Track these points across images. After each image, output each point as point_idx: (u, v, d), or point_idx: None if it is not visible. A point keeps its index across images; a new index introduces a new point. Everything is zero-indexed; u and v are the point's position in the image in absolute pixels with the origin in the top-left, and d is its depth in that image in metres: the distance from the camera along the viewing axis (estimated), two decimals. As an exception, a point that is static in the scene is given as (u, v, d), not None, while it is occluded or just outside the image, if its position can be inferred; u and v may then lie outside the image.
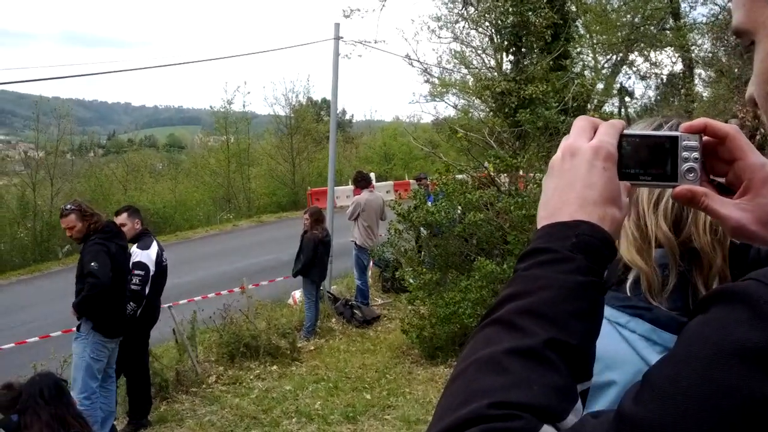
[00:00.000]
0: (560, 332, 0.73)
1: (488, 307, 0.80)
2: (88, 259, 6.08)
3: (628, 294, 1.24)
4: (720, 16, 16.79)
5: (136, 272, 6.71)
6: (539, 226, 0.85)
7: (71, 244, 19.67)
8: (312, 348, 9.54)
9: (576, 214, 0.82)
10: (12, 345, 8.77)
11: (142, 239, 7.04)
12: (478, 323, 0.80)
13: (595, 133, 0.88)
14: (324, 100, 39.57)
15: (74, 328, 6.45)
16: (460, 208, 9.30)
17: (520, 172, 9.67)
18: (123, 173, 30.43)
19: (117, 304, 6.34)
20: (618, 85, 20.69)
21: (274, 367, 8.61)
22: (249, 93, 50.10)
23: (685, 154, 0.87)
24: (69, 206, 6.31)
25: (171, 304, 8.36)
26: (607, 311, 1.22)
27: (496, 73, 13.39)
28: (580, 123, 0.90)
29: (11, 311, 14.15)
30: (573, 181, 0.84)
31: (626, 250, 1.25)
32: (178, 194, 29.38)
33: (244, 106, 31.66)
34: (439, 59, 16.70)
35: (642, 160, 0.88)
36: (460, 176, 9.93)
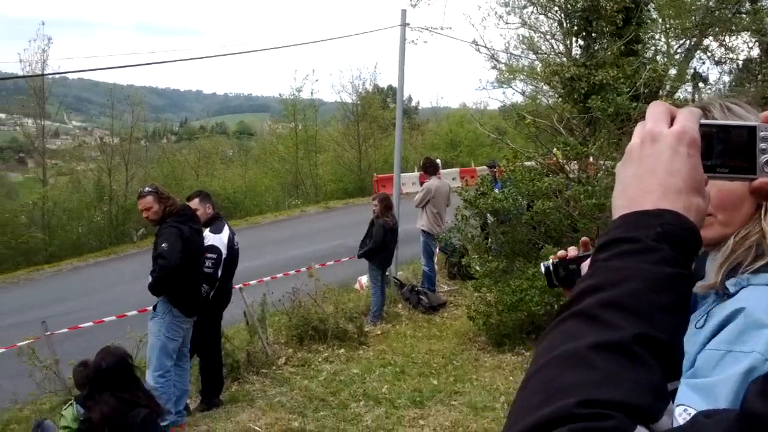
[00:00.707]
0: (649, 327, 0.70)
1: (566, 299, 0.77)
2: (160, 240, 6.24)
3: None
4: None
5: (209, 255, 6.85)
6: (617, 215, 0.81)
7: (146, 227, 20.33)
8: (379, 332, 9.62)
9: (659, 202, 0.78)
10: (90, 324, 9.13)
11: (214, 223, 7.18)
12: (555, 316, 0.76)
13: (672, 119, 0.84)
14: (390, 87, 39.65)
15: (150, 308, 6.66)
16: (526, 199, 9.22)
17: (590, 160, 9.52)
18: (195, 159, 31.14)
19: (192, 284, 6.51)
20: (691, 71, 20.09)
21: (342, 350, 8.72)
22: (317, 81, 50.38)
23: (763, 145, 0.83)
24: (147, 188, 6.49)
25: (241, 285, 8.55)
26: None
27: (565, 59, 13.21)
28: (657, 108, 0.86)
29: (89, 292, 14.69)
30: (654, 168, 0.81)
31: None
32: (248, 180, 29.96)
33: (312, 93, 32.00)
34: (507, 45, 16.58)
35: (719, 151, 0.85)
36: (528, 163, 9.82)
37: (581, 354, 0.68)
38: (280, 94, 33.34)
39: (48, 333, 7.85)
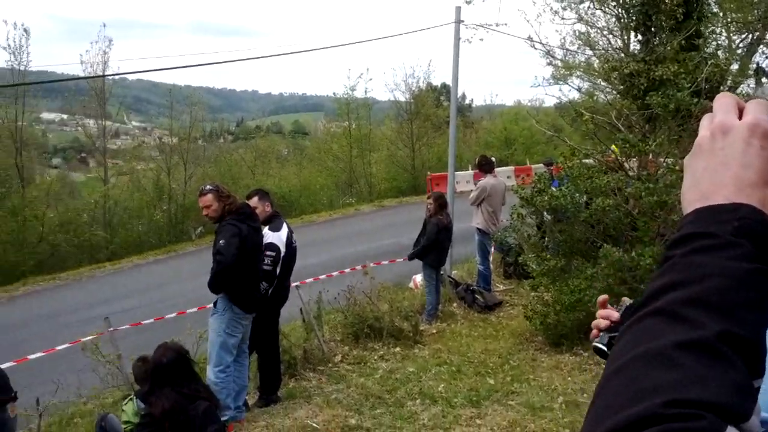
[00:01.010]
0: (732, 324, 0.67)
1: (643, 297, 0.75)
2: (219, 238, 6.35)
3: None
4: None
5: (268, 253, 6.92)
6: (689, 209, 0.79)
7: (204, 226, 20.71)
8: (434, 331, 9.59)
9: (734, 196, 0.76)
10: (151, 320, 9.35)
11: (273, 221, 7.25)
12: (631, 314, 0.75)
13: (740, 111, 0.82)
14: (443, 85, 39.43)
15: (210, 305, 6.77)
16: (585, 196, 9.07)
17: (650, 157, 9.33)
18: (251, 158, 31.55)
19: (251, 281, 6.59)
20: (754, 66, 19.48)
21: (397, 348, 8.73)
22: (371, 79, 50.68)
23: None
24: (208, 186, 6.61)
25: (298, 283, 8.62)
26: None
27: (623, 54, 12.98)
28: (725, 100, 0.84)
29: (149, 289, 15.02)
30: (727, 161, 0.78)
31: None
32: (303, 179, 30.23)
33: (365, 92, 32.05)
34: (563, 41, 16.35)
35: None
36: (586, 161, 9.67)
37: (665, 353, 0.66)
38: (334, 93, 33.58)
39: (111, 329, 8.02)
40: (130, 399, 5.62)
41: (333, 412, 6.58)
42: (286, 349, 7.93)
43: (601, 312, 1.67)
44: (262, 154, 32.34)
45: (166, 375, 4.75)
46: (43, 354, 8.57)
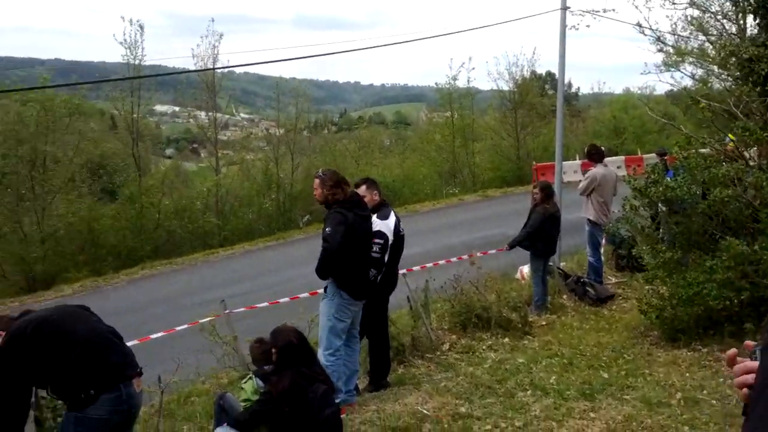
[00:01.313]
0: None
1: None
2: (326, 225, 6.48)
3: None
4: None
5: (376, 240, 6.97)
6: None
7: (311, 214, 21.19)
8: (543, 323, 9.45)
9: None
10: (265, 304, 9.64)
11: (381, 210, 7.30)
12: None
13: None
14: (548, 74, 38.67)
15: (321, 290, 6.92)
16: (700, 188, 8.71)
17: (771, 146, 8.86)
18: (355, 149, 31.98)
19: (359, 268, 6.67)
20: None
21: (506, 339, 8.65)
22: (473, 69, 50.21)
23: None
24: (320, 172, 6.76)
25: (405, 271, 8.67)
26: None
27: (738, 39, 12.41)
28: None
29: (261, 274, 15.51)
30: None
31: None
32: (406, 169, 30.38)
33: (468, 81, 31.76)
34: (674, 26, 15.79)
35: None
36: (702, 150, 9.27)
37: None
38: (435, 84, 33.40)
39: (227, 311, 8.32)
40: (250, 378, 5.80)
41: (443, 399, 6.59)
42: (395, 335, 8.00)
43: (737, 368, 1.51)
44: (365, 145, 32.73)
45: (293, 356, 4.88)
46: (163, 334, 8.98)
